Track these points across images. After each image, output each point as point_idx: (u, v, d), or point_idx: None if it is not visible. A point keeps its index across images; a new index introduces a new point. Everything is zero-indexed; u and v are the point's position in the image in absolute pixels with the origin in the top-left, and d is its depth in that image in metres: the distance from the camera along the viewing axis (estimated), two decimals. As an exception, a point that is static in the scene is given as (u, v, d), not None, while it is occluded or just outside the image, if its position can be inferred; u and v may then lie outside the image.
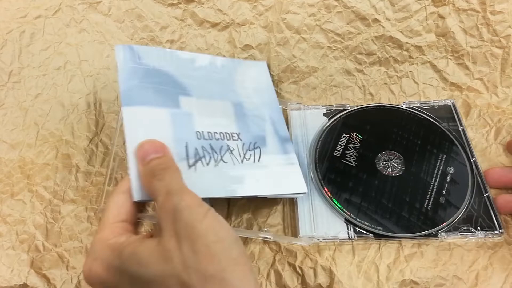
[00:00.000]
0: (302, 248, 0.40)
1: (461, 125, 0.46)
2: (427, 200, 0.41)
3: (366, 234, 0.39)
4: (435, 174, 0.43)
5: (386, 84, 0.51)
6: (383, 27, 0.49)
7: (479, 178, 0.42)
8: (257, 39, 0.51)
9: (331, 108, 0.49)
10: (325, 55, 0.51)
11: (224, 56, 0.50)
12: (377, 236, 0.39)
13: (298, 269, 0.38)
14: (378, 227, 0.39)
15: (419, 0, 0.49)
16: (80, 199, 0.44)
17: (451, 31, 0.49)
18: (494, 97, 0.49)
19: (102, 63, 0.50)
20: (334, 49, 0.51)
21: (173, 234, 0.27)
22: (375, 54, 0.50)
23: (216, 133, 0.40)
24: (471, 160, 0.43)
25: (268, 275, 0.39)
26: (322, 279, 0.38)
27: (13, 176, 0.44)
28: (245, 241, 0.40)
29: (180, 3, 0.51)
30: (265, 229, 0.41)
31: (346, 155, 0.45)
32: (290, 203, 0.43)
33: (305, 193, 0.40)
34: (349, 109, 0.49)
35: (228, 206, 0.43)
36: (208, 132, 0.39)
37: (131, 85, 0.38)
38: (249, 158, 0.40)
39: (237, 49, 0.51)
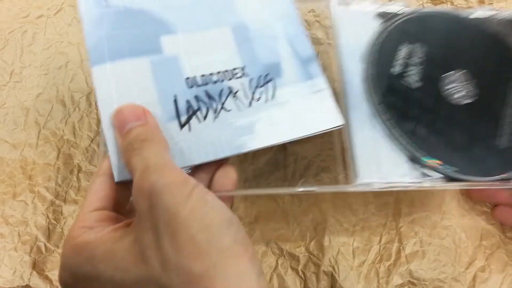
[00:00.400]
0: (306, 250, 0.40)
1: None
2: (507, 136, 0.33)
3: (435, 177, 0.31)
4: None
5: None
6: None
7: None
8: None
9: (385, 9, 0.38)
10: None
11: None
12: (450, 180, 0.31)
13: (301, 273, 0.39)
14: (451, 168, 0.31)
15: None
16: (81, 199, 0.44)
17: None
18: None
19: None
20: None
21: (150, 225, 0.22)
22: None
23: (213, 74, 0.32)
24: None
25: (271, 279, 0.39)
26: (325, 283, 0.38)
27: (15, 177, 0.44)
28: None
29: None
30: (302, 180, 0.35)
31: (406, 74, 0.35)
32: (329, 140, 0.37)
33: (341, 125, 0.32)
34: (409, 11, 0.38)
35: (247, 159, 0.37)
36: (202, 76, 0.32)
37: (99, 38, 0.31)
38: (259, 98, 0.32)
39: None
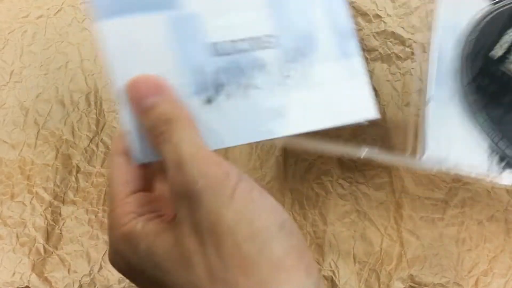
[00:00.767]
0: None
1: None
2: None
3: None
4: None
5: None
6: (384, 22, 0.49)
7: None
8: None
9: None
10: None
11: None
12: None
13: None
14: None
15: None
16: (80, 200, 0.43)
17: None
18: None
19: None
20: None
21: (193, 228, 0.20)
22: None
23: (242, 40, 0.26)
24: None
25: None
26: None
27: (13, 177, 0.44)
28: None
29: None
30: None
31: (508, 60, 0.32)
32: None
33: (375, 119, 0.28)
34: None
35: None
36: (232, 41, 0.26)
37: None
38: (291, 75, 0.27)
39: None
